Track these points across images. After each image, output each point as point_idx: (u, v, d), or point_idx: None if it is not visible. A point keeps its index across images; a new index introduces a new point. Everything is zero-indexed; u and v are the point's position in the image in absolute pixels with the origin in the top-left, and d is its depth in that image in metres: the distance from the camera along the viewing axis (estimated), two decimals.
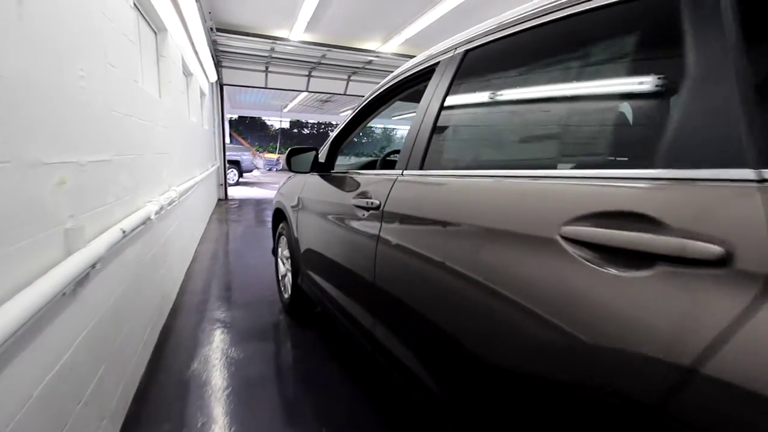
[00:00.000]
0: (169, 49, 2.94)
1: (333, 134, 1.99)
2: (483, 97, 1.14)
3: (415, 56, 1.51)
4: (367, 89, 8.77)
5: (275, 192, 2.77)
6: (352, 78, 8.41)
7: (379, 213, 1.29)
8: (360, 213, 1.43)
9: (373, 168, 2.24)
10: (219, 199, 8.18)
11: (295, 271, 2.29)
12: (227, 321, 2.42)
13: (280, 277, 2.72)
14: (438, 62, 1.25)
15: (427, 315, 1.02)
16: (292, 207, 2.28)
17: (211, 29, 5.58)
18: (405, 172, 1.25)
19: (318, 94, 12.07)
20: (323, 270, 1.82)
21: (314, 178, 2.04)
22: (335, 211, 1.68)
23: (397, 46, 6.32)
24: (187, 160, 3.66)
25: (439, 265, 0.97)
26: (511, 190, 0.83)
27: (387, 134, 22.91)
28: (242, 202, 8.12)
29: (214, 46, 6.41)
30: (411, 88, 1.49)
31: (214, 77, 6.64)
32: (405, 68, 1.51)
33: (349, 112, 1.87)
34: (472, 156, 1.16)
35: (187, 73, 4.32)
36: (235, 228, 5.44)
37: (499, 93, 1.10)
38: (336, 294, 1.67)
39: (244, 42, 6.18)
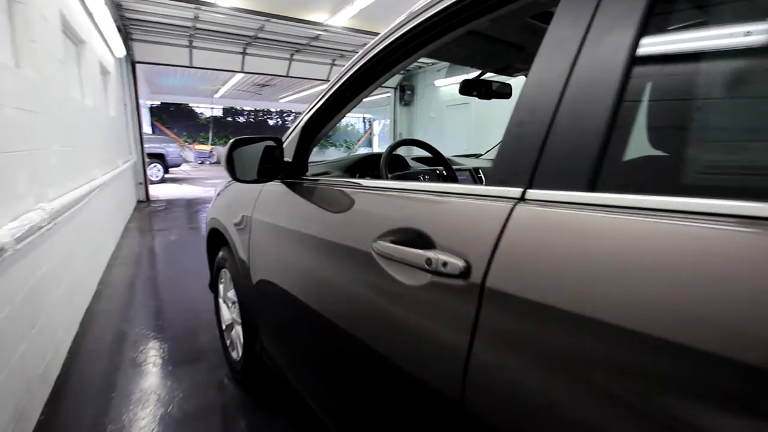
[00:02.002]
0: None
1: (303, 117, 1.22)
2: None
3: (372, 32, 0.86)
4: (315, 70, 7.82)
5: (210, 191, 1.87)
6: (295, 57, 7.41)
7: (470, 285, 0.58)
8: (405, 277, 0.70)
9: (372, 168, 1.51)
10: (139, 202, 6.86)
11: (250, 327, 1.50)
12: (140, 410, 1.57)
13: (223, 327, 1.89)
14: None
15: None
16: (239, 228, 1.48)
17: None
18: (533, 192, 0.55)
19: (255, 77, 10.80)
20: (313, 361, 1.07)
21: (277, 188, 1.26)
22: (332, 266, 0.93)
23: (348, 19, 5.49)
24: (77, 157, 2.63)
25: None
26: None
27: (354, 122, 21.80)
28: (170, 204, 6.87)
29: (117, 10, 5.12)
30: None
31: (121, 52, 5.36)
32: None
33: (325, 85, 1.11)
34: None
35: (75, 39, 3.19)
36: (161, 240, 4.38)
37: None
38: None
39: (158, 6, 4.98)
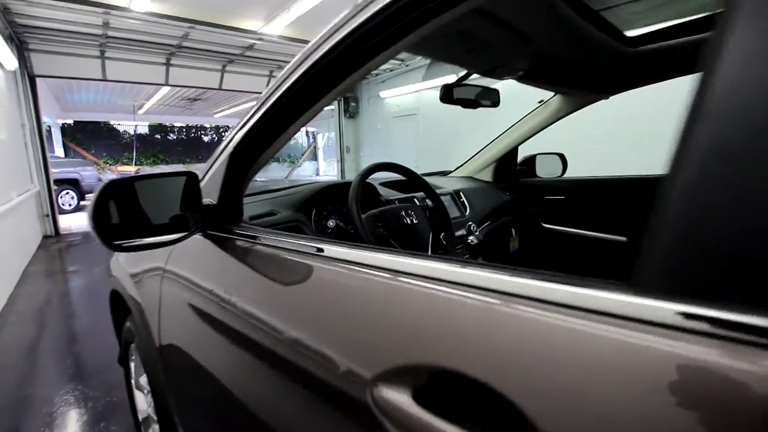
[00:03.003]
0: None
1: (229, 141, 0.84)
2: None
3: (308, 41, 0.56)
4: (252, 82, 7.26)
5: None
6: (228, 68, 6.83)
7: None
8: None
9: (334, 202, 1.14)
10: (45, 237, 5.84)
11: (167, 425, 1.06)
12: None
13: (140, 419, 1.40)
14: None
15: None
16: (145, 298, 1.05)
17: None
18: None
19: (185, 90, 9.96)
20: None
21: (197, 242, 0.86)
22: (293, 407, 0.55)
23: (284, 27, 5.10)
24: None
25: None
26: None
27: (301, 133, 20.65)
28: (87, 237, 5.93)
29: (5, 15, 4.31)
30: None
31: (12, 64, 4.52)
32: None
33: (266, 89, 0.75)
34: None
35: None
36: (73, 285, 3.63)
37: None
38: None
39: (57, 11, 4.25)
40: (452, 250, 1.09)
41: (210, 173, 0.91)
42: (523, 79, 1.18)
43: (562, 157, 1.93)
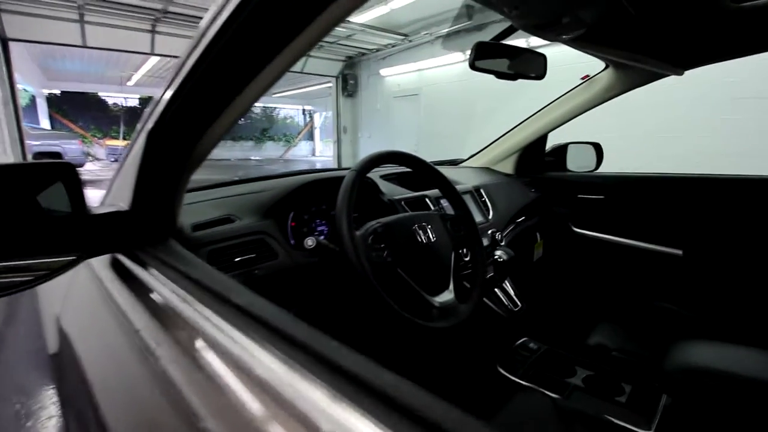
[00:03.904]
0: None
1: (153, 110, 0.53)
2: None
3: None
4: None
5: None
6: None
7: None
8: None
9: (318, 202, 0.84)
10: None
11: None
12: None
13: None
14: None
15: None
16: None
17: None
18: None
19: (174, 61, 9.45)
20: None
21: (94, 286, 0.56)
22: None
23: None
24: None
25: None
26: None
27: (268, 114, 20.05)
28: None
29: None
30: None
31: None
32: None
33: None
34: None
35: None
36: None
37: None
38: None
39: None
40: (481, 279, 0.80)
41: (124, 165, 0.60)
42: (579, 42, 0.86)
43: (597, 147, 1.62)
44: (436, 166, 0.88)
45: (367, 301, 0.63)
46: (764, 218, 1.13)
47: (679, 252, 1.26)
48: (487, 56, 0.81)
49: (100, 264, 0.56)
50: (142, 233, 0.54)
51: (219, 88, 0.45)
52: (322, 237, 0.90)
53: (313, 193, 0.89)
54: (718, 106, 3.51)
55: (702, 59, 0.95)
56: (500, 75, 0.86)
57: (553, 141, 1.59)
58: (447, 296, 0.71)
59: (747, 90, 3.31)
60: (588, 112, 1.34)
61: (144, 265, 0.48)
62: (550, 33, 0.79)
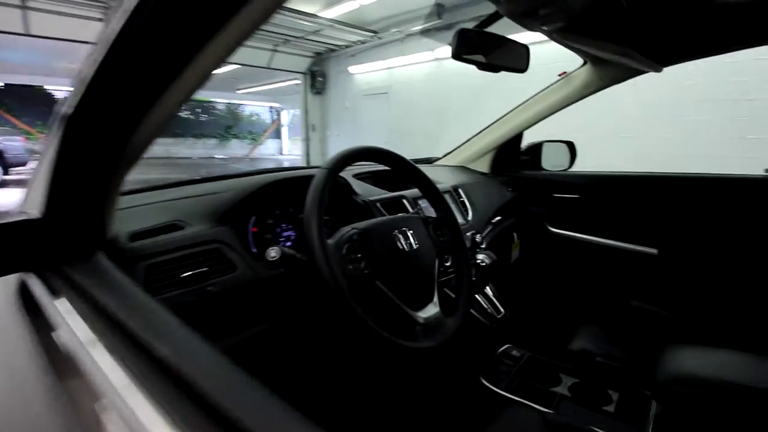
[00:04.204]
0: None
1: (73, 97, 0.42)
2: None
3: None
4: None
5: None
6: None
7: None
8: None
9: (286, 203, 0.76)
10: None
11: None
12: None
13: None
14: None
15: None
16: None
17: None
18: None
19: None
20: None
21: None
22: None
23: None
24: None
25: None
26: None
27: (233, 111, 19.32)
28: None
29: None
30: None
31: None
32: None
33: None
34: None
35: None
36: None
37: None
38: None
39: None
40: (468, 288, 0.73)
41: (42, 163, 0.49)
42: (563, 33, 0.82)
43: (570, 145, 1.60)
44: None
45: (342, 320, 0.55)
46: (737, 216, 1.14)
47: (654, 251, 1.26)
48: (470, 45, 0.75)
49: (5, 290, 0.45)
50: (58, 247, 0.43)
51: (152, 65, 0.35)
52: (288, 243, 0.81)
53: (279, 194, 0.80)
54: (678, 108, 3.66)
55: (683, 55, 0.93)
56: (483, 66, 0.80)
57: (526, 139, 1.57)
58: (432, 310, 0.64)
59: (706, 93, 3.46)
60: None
61: (55, 291, 0.37)
62: (537, 21, 0.73)
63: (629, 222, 1.32)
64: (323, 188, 0.58)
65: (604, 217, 1.37)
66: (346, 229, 0.61)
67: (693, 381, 0.68)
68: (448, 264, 0.80)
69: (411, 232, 0.69)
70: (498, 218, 1.31)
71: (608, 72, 1.12)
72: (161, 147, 14.70)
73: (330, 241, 0.58)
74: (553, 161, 1.60)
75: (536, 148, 1.57)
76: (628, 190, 1.33)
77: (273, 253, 0.56)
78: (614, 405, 0.86)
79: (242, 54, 6.70)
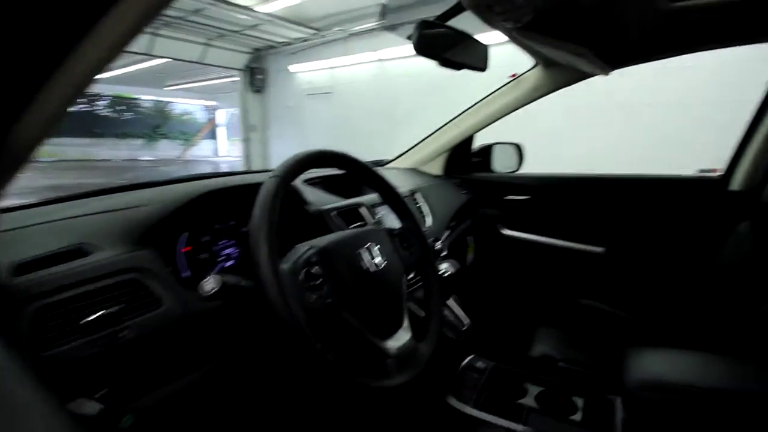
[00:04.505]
0: None
1: None
2: None
3: None
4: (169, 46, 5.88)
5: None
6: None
7: None
8: None
9: (227, 216, 0.64)
10: None
11: None
12: None
13: None
14: None
15: None
16: None
17: None
18: None
19: None
20: None
21: None
22: None
23: None
24: None
25: None
26: None
27: (161, 109, 17.81)
28: None
29: None
30: None
31: None
32: None
33: None
34: None
35: None
36: None
37: None
38: None
39: None
40: (438, 306, 0.67)
41: None
42: (521, 32, 0.79)
43: (518, 147, 1.62)
44: None
45: (298, 359, 0.46)
46: (676, 215, 1.20)
47: (601, 250, 1.29)
48: (430, 38, 0.69)
49: None
50: None
51: (25, 36, 0.25)
52: (230, 263, 0.70)
53: (217, 205, 0.68)
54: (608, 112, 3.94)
55: (632, 57, 0.95)
56: (444, 62, 0.75)
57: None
58: (403, 337, 0.57)
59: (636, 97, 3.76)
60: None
61: None
62: (499, 16, 0.69)
63: (577, 222, 1.35)
64: (273, 201, 0.48)
65: (553, 218, 1.40)
66: (303, 249, 0.52)
67: (660, 387, 0.68)
68: (411, 276, 0.73)
69: (377, 247, 0.61)
70: (454, 222, 1.28)
71: (558, 75, 1.13)
72: (76, 148, 13.19)
73: (284, 266, 0.48)
74: (503, 163, 1.60)
75: (487, 150, 1.57)
76: (576, 190, 1.37)
77: (209, 285, 0.45)
78: (580, 413, 0.85)
79: (170, 47, 6.21)
